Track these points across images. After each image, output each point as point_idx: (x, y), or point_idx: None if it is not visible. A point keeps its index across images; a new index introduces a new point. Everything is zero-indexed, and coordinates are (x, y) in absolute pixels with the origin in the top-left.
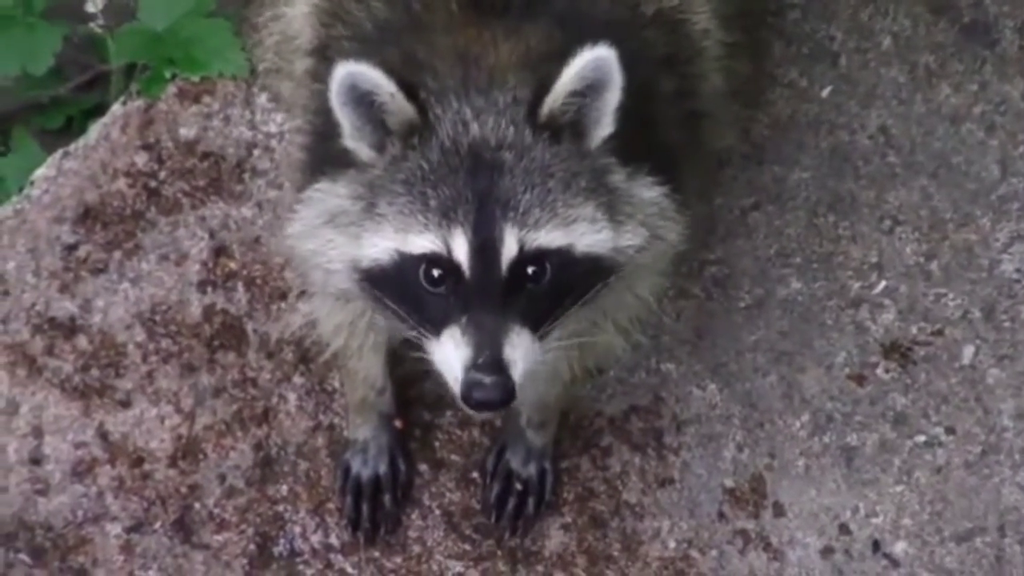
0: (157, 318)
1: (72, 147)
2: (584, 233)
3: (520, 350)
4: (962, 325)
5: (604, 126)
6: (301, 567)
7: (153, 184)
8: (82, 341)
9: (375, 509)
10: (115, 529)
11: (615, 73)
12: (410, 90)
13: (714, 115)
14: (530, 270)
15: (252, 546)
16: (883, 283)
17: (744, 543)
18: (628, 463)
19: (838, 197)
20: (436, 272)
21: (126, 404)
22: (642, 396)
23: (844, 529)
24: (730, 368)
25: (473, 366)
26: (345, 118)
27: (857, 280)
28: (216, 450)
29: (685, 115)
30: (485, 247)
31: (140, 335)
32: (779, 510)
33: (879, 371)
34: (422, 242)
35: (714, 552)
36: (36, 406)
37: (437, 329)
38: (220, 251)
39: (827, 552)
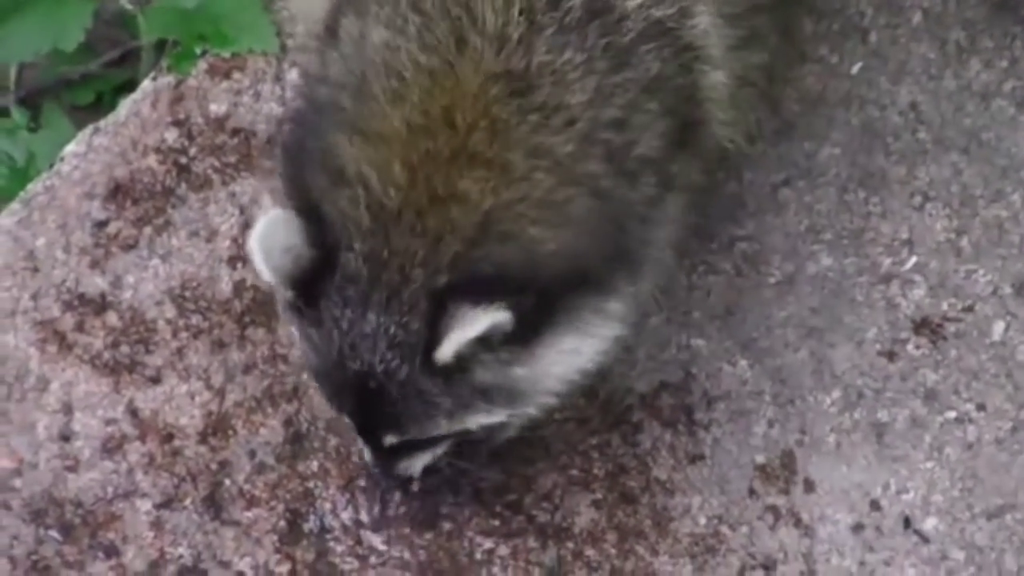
0: (187, 294)
1: (102, 123)
2: (476, 422)
3: (416, 461)
4: (992, 301)
5: (502, 334)
6: (331, 543)
7: (183, 160)
8: (112, 317)
9: None
10: (145, 505)
11: (506, 319)
12: (304, 276)
13: (711, 120)
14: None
15: (282, 522)
16: (913, 259)
17: (774, 519)
18: (659, 439)
19: (868, 173)
20: None
21: (156, 380)
22: (672, 372)
23: (875, 505)
24: (760, 344)
25: (375, 466)
26: None
27: (887, 256)
28: (246, 426)
29: (674, 133)
30: (368, 440)
31: (170, 311)
32: (809, 486)
33: (909, 347)
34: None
35: (744, 528)
36: (66, 383)
37: None
38: (250, 227)
39: (857, 528)
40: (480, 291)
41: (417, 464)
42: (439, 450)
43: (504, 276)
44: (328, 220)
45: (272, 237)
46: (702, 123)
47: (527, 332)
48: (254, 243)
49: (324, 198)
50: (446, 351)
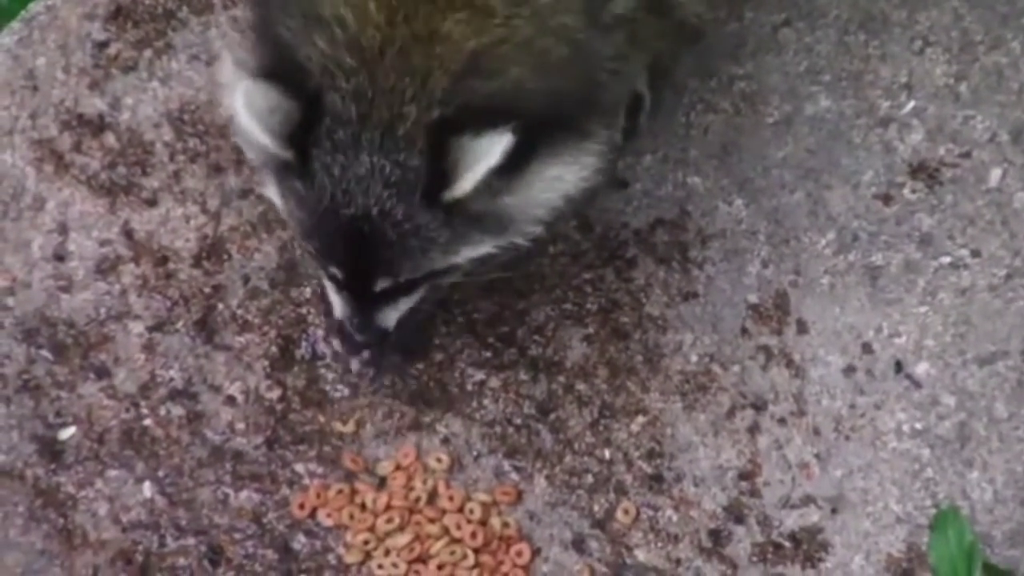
0: (186, 117)
1: None
2: (466, 254)
3: (394, 311)
4: (990, 148)
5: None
6: (322, 370)
7: None
8: (110, 139)
9: None
10: (137, 327)
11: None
12: (297, 129)
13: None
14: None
15: (274, 348)
16: (912, 103)
17: (766, 359)
18: (652, 276)
19: (869, 16)
20: None
21: (152, 203)
22: (668, 209)
23: (867, 348)
24: (756, 184)
25: (348, 320)
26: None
27: (886, 99)
28: (241, 251)
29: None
30: (356, 288)
31: (168, 134)
32: (802, 327)
33: (905, 191)
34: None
35: (736, 367)
36: (62, 202)
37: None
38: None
39: (849, 371)
40: (476, 122)
41: (394, 314)
42: (418, 296)
43: (493, 108)
44: (307, 67)
45: (255, 105)
46: None
47: (516, 162)
48: (244, 115)
49: (301, 43)
50: (464, 185)
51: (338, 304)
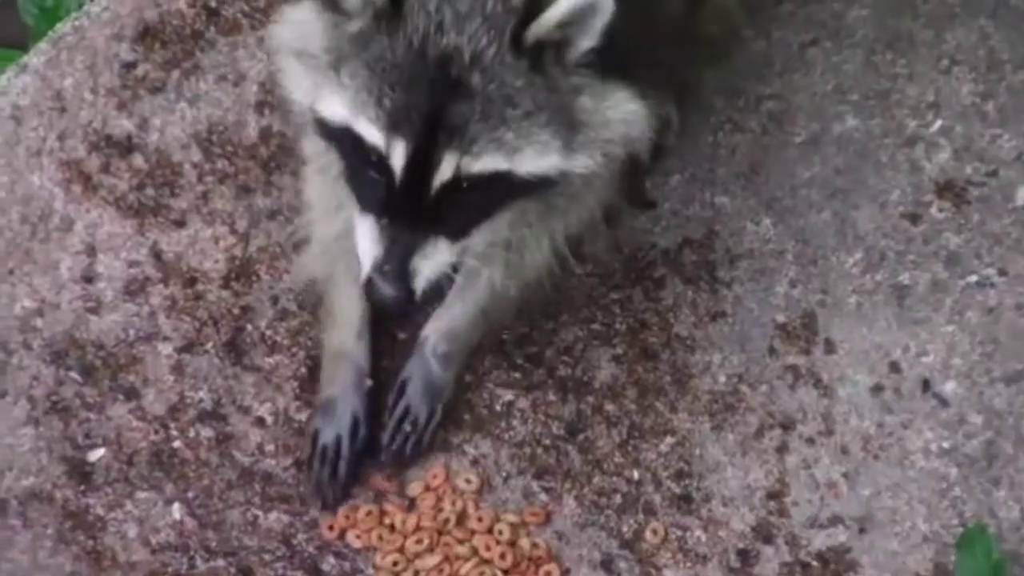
0: (214, 138)
1: None
2: (530, 158)
3: (430, 261)
4: (1016, 166)
5: (587, 44)
6: None
7: (213, 4)
8: (138, 159)
9: (332, 474)
10: (166, 349)
11: (607, 10)
12: None
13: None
14: (461, 188)
15: (303, 369)
16: (939, 122)
17: (794, 379)
18: (680, 296)
19: (896, 35)
20: (376, 160)
21: (180, 224)
22: (695, 229)
23: (894, 367)
24: (784, 203)
25: (379, 270)
26: None
27: (913, 118)
28: (269, 272)
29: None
30: (420, 168)
31: (196, 155)
32: (830, 347)
33: (933, 210)
34: (369, 134)
35: (764, 387)
36: (90, 224)
37: (362, 207)
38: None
39: (877, 390)
40: None
41: (430, 261)
42: (459, 247)
43: None
44: None
45: None
46: None
47: (602, 68)
48: None
49: None
50: (550, 17)
51: (375, 242)
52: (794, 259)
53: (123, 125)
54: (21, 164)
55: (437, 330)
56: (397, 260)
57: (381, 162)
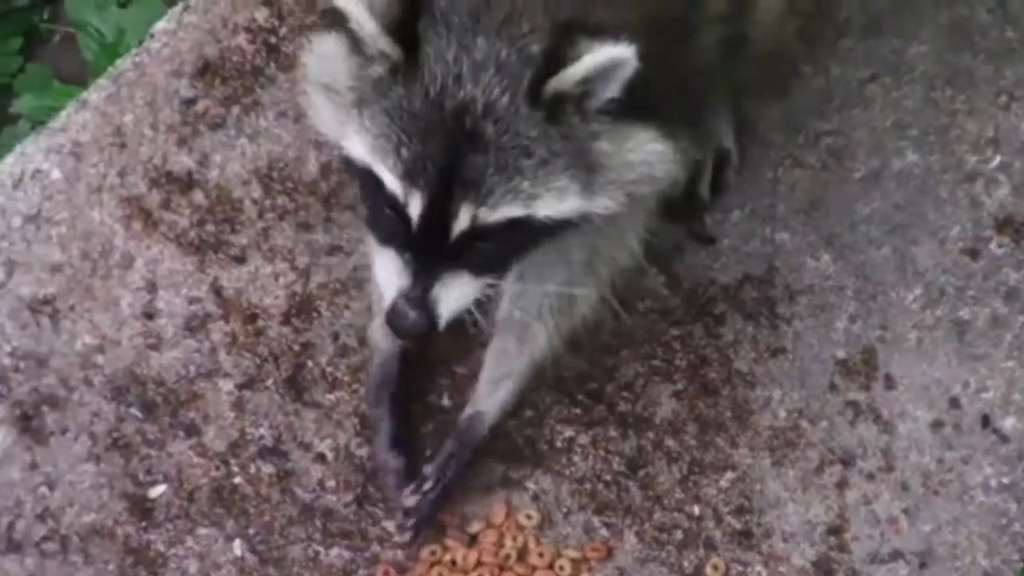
0: (274, 174)
1: (192, 1)
2: (548, 204)
3: (454, 292)
4: None
5: (608, 95)
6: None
7: (273, 40)
8: (198, 196)
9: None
10: (227, 385)
11: (629, 66)
12: (401, 25)
13: (758, 40)
14: (480, 235)
15: (363, 405)
16: (998, 158)
17: (854, 414)
18: (740, 332)
19: (955, 71)
20: (395, 205)
21: (241, 260)
22: (756, 265)
23: (954, 403)
24: (844, 239)
25: (404, 296)
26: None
27: (973, 154)
28: (330, 308)
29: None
30: (437, 218)
31: (256, 191)
32: (890, 382)
33: (992, 246)
34: (388, 180)
35: (824, 423)
36: (151, 260)
37: (381, 242)
38: None
39: (937, 425)
40: (604, 33)
41: (453, 293)
42: (482, 284)
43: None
44: None
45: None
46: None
47: (620, 111)
48: (360, 10)
49: None
50: (572, 75)
51: (397, 273)
52: (854, 295)
53: (183, 161)
54: (81, 200)
55: (490, 408)
56: (421, 288)
57: (398, 210)
